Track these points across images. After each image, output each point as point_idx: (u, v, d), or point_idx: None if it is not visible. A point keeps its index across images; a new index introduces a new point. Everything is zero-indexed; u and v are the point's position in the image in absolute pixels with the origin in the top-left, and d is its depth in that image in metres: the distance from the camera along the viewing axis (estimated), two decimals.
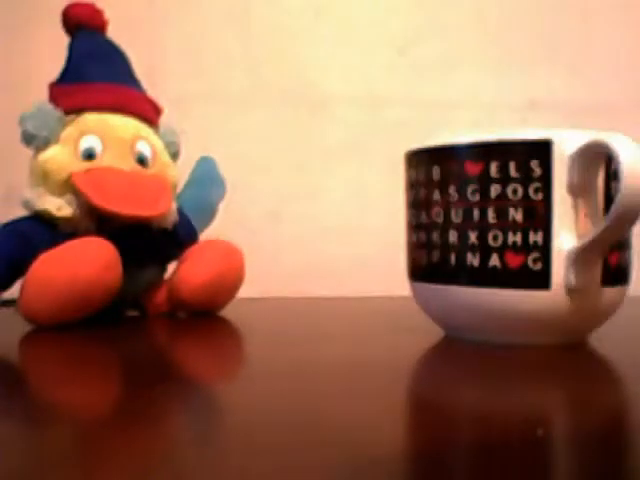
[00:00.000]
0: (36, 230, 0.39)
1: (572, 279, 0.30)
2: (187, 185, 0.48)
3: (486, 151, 0.31)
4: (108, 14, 0.46)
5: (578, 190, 0.30)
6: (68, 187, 0.40)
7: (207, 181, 0.49)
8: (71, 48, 0.44)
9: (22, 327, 0.37)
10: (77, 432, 0.18)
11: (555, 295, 0.30)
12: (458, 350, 0.31)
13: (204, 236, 0.47)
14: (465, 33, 0.68)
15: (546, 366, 0.28)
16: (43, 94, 0.43)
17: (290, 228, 0.55)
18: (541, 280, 0.30)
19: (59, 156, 0.40)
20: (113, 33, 0.46)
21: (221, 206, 0.49)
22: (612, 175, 0.31)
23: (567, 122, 0.65)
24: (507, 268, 0.30)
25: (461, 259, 0.31)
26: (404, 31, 0.68)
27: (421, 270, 0.34)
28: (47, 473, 0.15)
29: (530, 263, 0.30)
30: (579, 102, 0.68)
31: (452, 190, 0.31)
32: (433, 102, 0.68)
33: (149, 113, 0.45)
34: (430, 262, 0.33)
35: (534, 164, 0.30)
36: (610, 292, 0.31)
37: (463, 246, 0.31)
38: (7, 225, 0.40)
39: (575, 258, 0.29)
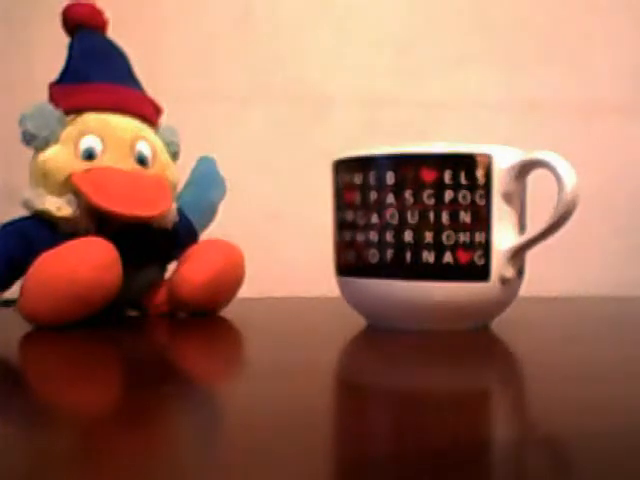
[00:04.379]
0: (36, 230, 0.39)
1: (506, 272, 0.35)
2: (187, 185, 0.48)
3: (441, 161, 0.34)
4: (108, 14, 0.45)
5: (510, 198, 0.35)
6: (68, 187, 0.40)
7: (207, 181, 0.49)
8: (71, 48, 0.44)
9: (22, 327, 0.37)
10: (77, 432, 0.18)
11: (492, 286, 0.35)
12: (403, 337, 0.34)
13: (204, 236, 0.47)
14: (465, 33, 0.68)
15: (469, 347, 0.32)
16: (43, 94, 0.43)
17: (290, 228, 0.55)
18: (483, 273, 0.35)
19: (59, 156, 0.40)
20: (113, 33, 0.46)
21: (221, 206, 0.49)
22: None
23: (567, 122, 0.69)
24: (458, 264, 0.34)
25: (417, 256, 0.34)
26: (404, 31, 0.68)
27: (371, 267, 0.36)
28: (46, 473, 0.15)
29: (476, 259, 0.34)
30: (579, 102, 0.68)
31: (408, 194, 0.34)
32: (433, 102, 0.68)
33: (149, 113, 0.45)
34: (382, 260, 0.35)
35: (479, 174, 0.34)
36: (519, 282, 0.37)
37: (419, 245, 0.34)
38: (7, 225, 0.40)
39: (510, 255, 0.35)
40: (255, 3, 0.67)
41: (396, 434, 0.18)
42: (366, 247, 0.36)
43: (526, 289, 0.40)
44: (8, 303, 0.42)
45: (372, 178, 0.35)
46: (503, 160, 0.35)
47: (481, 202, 0.34)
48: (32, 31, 0.65)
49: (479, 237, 0.34)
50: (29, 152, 0.42)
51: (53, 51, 0.48)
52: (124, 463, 0.16)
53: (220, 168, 0.50)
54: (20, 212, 0.41)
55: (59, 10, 0.44)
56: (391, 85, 0.68)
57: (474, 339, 0.34)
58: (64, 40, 0.45)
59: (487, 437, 0.18)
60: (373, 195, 0.35)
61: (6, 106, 0.56)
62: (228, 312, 0.44)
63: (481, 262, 0.34)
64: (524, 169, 0.35)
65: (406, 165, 0.34)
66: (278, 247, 0.62)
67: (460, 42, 0.68)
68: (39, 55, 0.64)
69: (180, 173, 0.46)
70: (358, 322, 0.39)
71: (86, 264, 0.36)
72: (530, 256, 0.38)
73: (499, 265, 0.35)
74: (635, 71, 0.69)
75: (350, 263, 0.37)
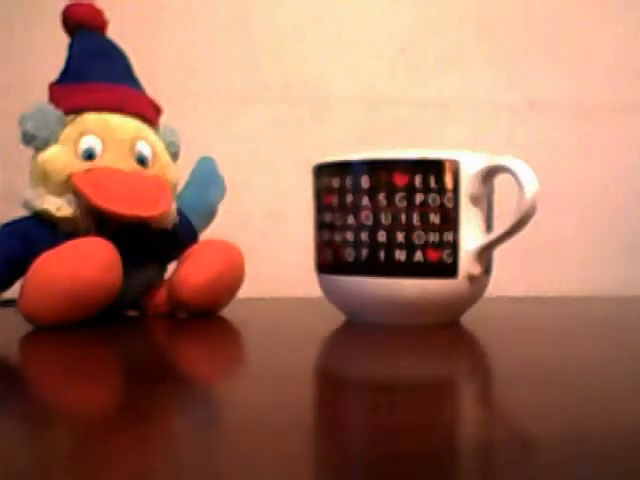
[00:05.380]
0: (36, 230, 0.39)
1: (473, 270, 0.37)
2: (187, 185, 0.48)
3: (412, 166, 0.37)
4: (108, 14, 0.45)
5: (477, 200, 0.37)
6: (68, 187, 0.39)
7: (207, 181, 0.49)
8: (71, 48, 0.44)
9: (22, 327, 0.37)
10: (76, 432, 0.18)
11: (460, 282, 0.37)
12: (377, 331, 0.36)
13: (204, 236, 0.47)
14: (465, 33, 0.68)
15: (439, 341, 0.34)
16: (43, 94, 0.43)
17: (290, 228, 0.55)
18: (451, 271, 0.37)
19: (59, 156, 0.40)
20: (113, 33, 0.46)
21: (221, 206, 0.49)
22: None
23: (567, 122, 0.69)
24: (428, 262, 0.37)
25: (390, 255, 0.37)
26: (404, 31, 0.68)
27: (347, 265, 0.38)
28: (46, 473, 0.15)
29: (445, 258, 0.37)
30: (579, 102, 0.68)
31: (381, 197, 0.37)
32: (433, 102, 0.68)
33: (149, 113, 0.45)
34: (358, 258, 0.37)
35: (448, 178, 0.37)
36: (486, 279, 0.39)
37: (392, 244, 0.37)
38: (7, 225, 0.40)
39: (477, 253, 0.37)
40: (255, 3, 0.67)
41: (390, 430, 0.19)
42: (343, 246, 0.38)
43: (524, 289, 0.40)
44: (8, 303, 0.41)
45: (348, 182, 0.37)
46: (470, 165, 0.37)
47: (449, 204, 0.36)
48: (32, 31, 0.64)
49: (448, 237, 0.37)
50: (28, 152, 0.41)
51: (53, 51, 0.46)
52: (123, 463, 0.16)
53: (219, 168, 0.50)
54: (20, 212, 0.41)
55: (59, 10, 0.44)
56: (390, 85, 0.68)
57: (444, 333, 0.36)
58: (64, 40, 0.45)
59: (455, 422, 0.19)
60: (349, 198, 0.37)
61: (6, 106, 0.56)
62: (228, 312, 0.45)
63: (450, 260, 0.37)
64: (489, 174, 0.37)
65: (380, 170, 0.36)
66: (278, 247, 0.61)
67: (459, 42, 0.68)
68: (39, 55, 0.64)
69: (180, 173, 0.46)
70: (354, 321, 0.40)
71: (87, 264, 0.36)
72: (529, 256, 0.38)
73: (467, 263, 0.37)
74: (635, 71, 0.69)
75: (329, 261, 0.39)
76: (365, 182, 0.37)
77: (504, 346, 0.32)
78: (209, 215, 0.48)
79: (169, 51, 0.66)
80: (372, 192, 0.37)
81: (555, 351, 0.31)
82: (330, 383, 0.25)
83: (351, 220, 0.37)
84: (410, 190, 0.36)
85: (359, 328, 0.38)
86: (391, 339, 0.34)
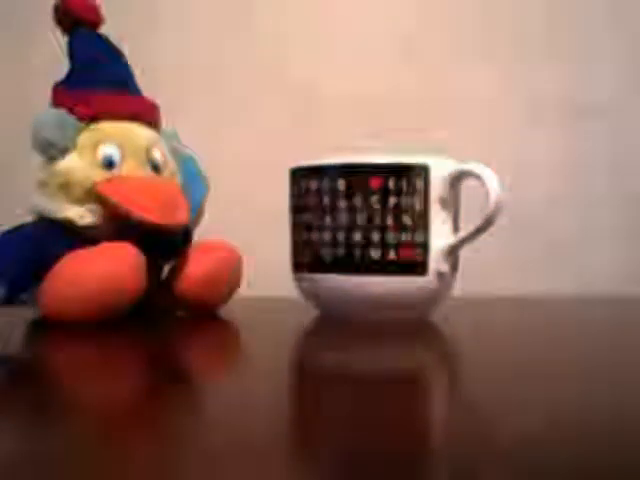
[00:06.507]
0: (50, 234, 0.40)
1: (442, 267, 0.40)
2: None
3: (386, 170, 0.39)
4: (108, 14, 0.45)
5: (445, 203, 0.40)
6: (90, 196, 0.40)
7: (190, 181, 0.48)
8: (73, 48, 0.43)
9: (33, 327, 0.37)
10: (75, 432, 0.18)
11: (430, 279, 0.40)
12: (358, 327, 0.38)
13: (203, 236, 0.48)
14: (466, 32, 0.68)
15: (410, 334, 0.36)
16: (43, 94, 0.42)
17: (285, 228, 0.51)
18: (422, 269, 0.40)
19: (80, 165, 0.40)
20: (113, 33, 0.46)
21: (219, 206, 0.48)
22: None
23: (567, 122, 0.68)
24: (401, 260, 0.39)
25: (365, 254, 0.39)
26: (405, 30, 0.67)
27: (324, 264, 0.40)
28: (44, 473, 0.15)
29: (416, 256, 0.39)
30: (579, 102, 0.68)
31: (357, 199, 0.39)
32: (434, 101, 0.67)
33: (156, 119, 0.45)
34: (335, 257, 0.40)
35: (419, 182, 0.39)
36: (453, 277, 0.42)
37: (367, 244, 0.39)
38: (18, 229, 0.40)
39: (445, 252, 0.40)
40: (255, 3, 0.67)
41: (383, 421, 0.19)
42: (320, 246, 0.40)
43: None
44: (12, 301, 0.41)
45: (326, 185, 0.40)
46: (439, 170, 0.39)
47: (420, 207, 0.39)
48: (32, 31, 0.64)
49: (419, 237, 0.39)
50: (29, 153, 0.41)
51: (53, 51, 0.47)
52: (122, 462, 0.16)
53: (219, 168, 0.49)
54: (17, 213, 0.41)
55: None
56: (389, 83, 0.68)
57: (414, 327, 0.38)
58: (64, 41, 0.45)
59: (424, 410, 0.20)
60: (326, 200, 0.40)
61: (6, 105, 0.58)
62: (228, 312, 0.45)
63: (420, 259, 0.39)
64: (457, 178, 0.39)
65: (356, 174, 0.39)
66: (277, 247, 0.60)
67: (461, 41, 0.68)
68: (39, 55, 0.63)
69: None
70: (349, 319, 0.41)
71: (119, 267, 0.37)
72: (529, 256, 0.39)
73: (436, 261, 0.40)
74: (635, 71, 0.68)
75: (306, 260, 0.41)
76: (342, 185, 0.39)
77: (477, 344, 0.33)
78: (198, 214, 0.48)
79: (168, 51, 0.66)
80: (348, 194, 0.39)
81: (531, 353, 0.31)
82: (328, 382, 0.25)
83: (328, 221, 0.40)
84: (384, 193, 0.38)
85: (337, 323, 0.39)
86: (374, 333, 0.36)
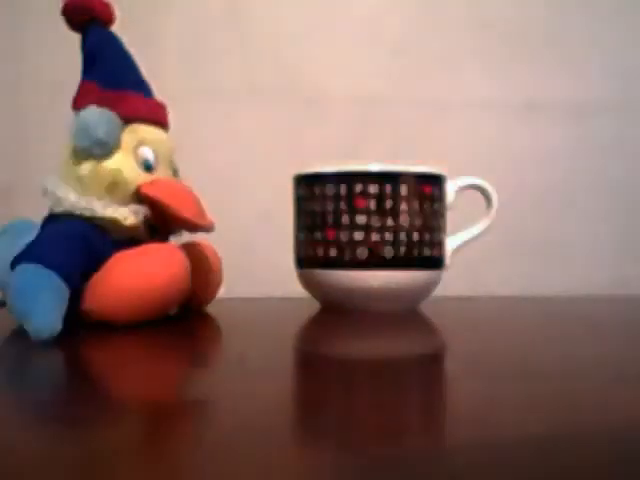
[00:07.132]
0: (96, 234, 0.39)
1: (449, 263, 0.49)
2: None
3: (381, 177, 0.45)
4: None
5: (450, 209, 0.49)
6: (133, 197, 0.41)
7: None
8: (100, 46, 0.42)
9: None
10: (74, 432, 0.18)
11: (439, 273, 0.48)
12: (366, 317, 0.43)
13: (200, 237, 0.46)
14: (464, 32, 0.69)
15: (405, 324, 0.40)
16: (43, 94, 0.42)
17: (284, 228, 0.52)
18: (438, 264, 0.48)
19: (127, 166, 0.41)
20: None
21: (215, 206, 0.47)
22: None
23: (561, 122, 0.69)
24: (420, 256, 0.46)
25: (362, 251, 0.45)
26: (401, 30, 0.68)
27: (325, 260, 0.45)
28: (48, 474, 0.15)
29: (434, 253, 0.48)
30: (579, 102, 0.69)
31: (356, 202, 0.45)
32: (431, 101, 0.69)
33: (168, 123, 0.45)
34: (338, 254, 0.45)
35: (435, 189, 0.47)
36: (440, 274, 0.49)
37: (378, 243, 0.45)
38: (62, 227, 0.39)
39: (455, 251, 0.50)
40: (253, 3, 0.68)
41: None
42: (323, 244, 0.46)
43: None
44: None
45: (328, 190, 0.45)
46: (451, 181, 0.49)
47: (439, 209, 0.48)
48: (32, 31, 0.63)
49: (437, 237, 0.48)
50: (30, 150, 0.40)
51: (53, 51, 0.46)
52: (121, 461, 0.16)
53: (215, 168, 0.51)
54: (20, 208, 0.40)
55: (59, 10, 0.42)
56: (386, 84, 0.69)
57: (406, 318, 0.42)
58: (64, 40, 0.44)
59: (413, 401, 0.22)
60: (329, 205, 0.45)
61: (6, 106, 0.57)
62: (222, 312, 0.46)
63: (437, 255, 0.48)
64: (462, 190, 0.49)
65: (354, 180, 0.45)
66: (272, 247, 0.60)
67: (455, 42, 0.69)
68: (39, 55, 0.63)
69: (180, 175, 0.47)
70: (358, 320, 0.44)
71: (170, 269, 0.38)
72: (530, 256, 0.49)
73: (449, 258, 0.50)
74: (635, 71, 0.70)
75: (308, 257, 0.47)
76: (343, 190, 0.45)
77: (466, 336, 0.37)
78: None
79: (167, 51, 0.67)
80: (347, 199, 0.45)
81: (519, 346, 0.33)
82: (327, 381, 0.25)
83: (330, 222, 0.46)
84: (380, 197, 0.45)
85: (344, 315, 0.44)
86: (380, 323, 0.40)
